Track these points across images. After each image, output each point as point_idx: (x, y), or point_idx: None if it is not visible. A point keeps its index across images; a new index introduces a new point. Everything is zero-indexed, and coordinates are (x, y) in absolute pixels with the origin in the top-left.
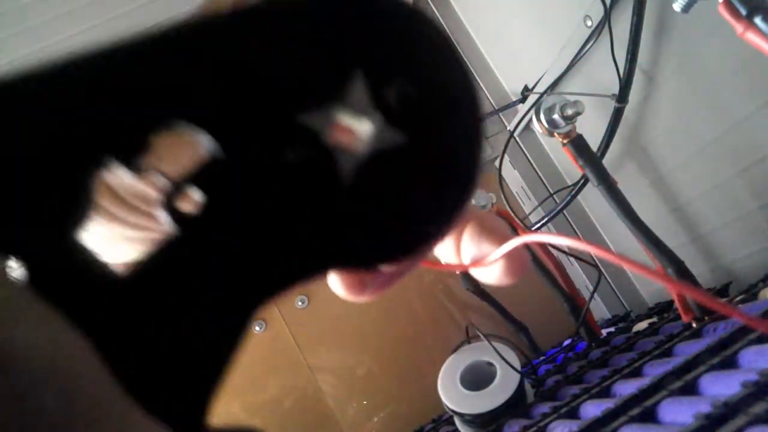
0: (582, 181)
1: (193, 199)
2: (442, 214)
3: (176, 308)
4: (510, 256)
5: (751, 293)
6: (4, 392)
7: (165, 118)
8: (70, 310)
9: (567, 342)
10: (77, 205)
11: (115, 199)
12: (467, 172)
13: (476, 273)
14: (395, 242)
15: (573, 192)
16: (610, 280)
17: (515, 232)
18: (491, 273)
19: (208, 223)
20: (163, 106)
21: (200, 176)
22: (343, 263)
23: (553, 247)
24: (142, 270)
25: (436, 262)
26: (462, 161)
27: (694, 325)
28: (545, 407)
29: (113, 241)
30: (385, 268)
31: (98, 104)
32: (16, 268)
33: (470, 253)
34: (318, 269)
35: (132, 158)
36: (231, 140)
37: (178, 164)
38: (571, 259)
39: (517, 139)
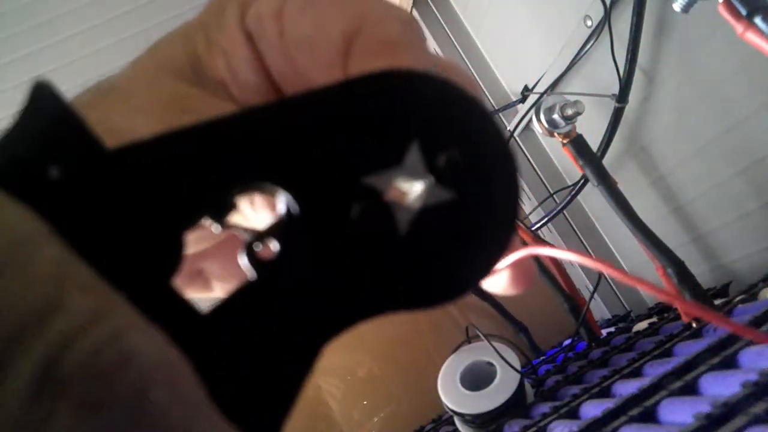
0: (582, 181)
1: (270, 248)
2: (485, 259)
3: (253, 341)
4: (516, 267)
5: (751, 293)
6: (125, 382)
7: (254, 180)
8: (167, 333)
9: (567, 342)
10: (175, 253)
11: (202, 247)
12: (506, 223)
13: (485, 284)
14: (443, 286)
15: (573, 192)
16: (610, 280)
17: (524, 243)
18: (498, 283)
19: (284, 269)
20: (254, 170)
21: (278, 229)
22: (398, 305)
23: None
24: (225, 307)
25: None
26: (502, 214)
27: (694, 325)
28: (545, 407)
29: (197, 283)
30: None
31: (200, 169)
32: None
33: None
34: (377, 311)
35: (221, 215)
36: (306, 197)
37: (259, 219)
38: None
39: (517, 139)
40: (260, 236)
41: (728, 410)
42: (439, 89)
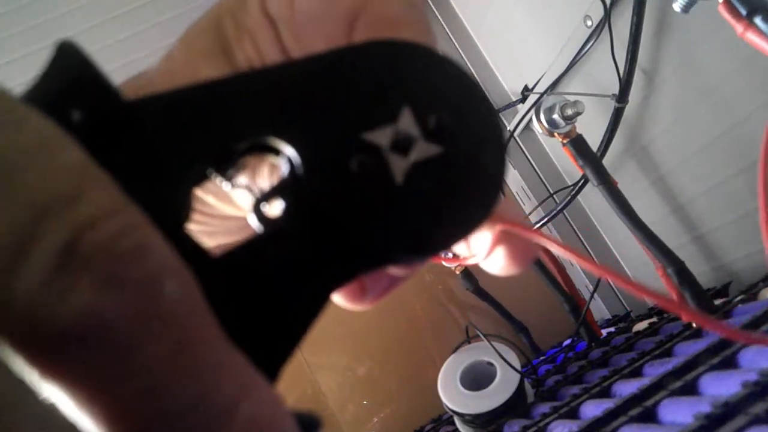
0: (582, 181)
1: (276, 206)
2: (474, 207)
3: (261, 285)
4: (513, 243)
5: (751, 293)
6: (142, 268)
7: (258, 133)
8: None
9: (567, 342)
10: (183, 199)
11: (211, 202)
12: (492, 176)
13: (485, 265)
14: (435, 233)
15: (573, 192)
16: (610, 280)
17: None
18: (495, 262)
19: (289, 224)
20: (257, 124)
21: (282, 188)
22: (396, 254)
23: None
24: (235, 254)
25: (445, 256)
26: (487, 167)
27: (694, 325)
28: (545, 407)
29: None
30: (392, 270)
31: (207, 121)
32: None
33: (476, 243)
34: (377, 260)
35: (228, 169)
36: (309, 154)
37: (264, 178)
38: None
39: (517, 139)
40: (266, 196)
41: (728, 410)
42: (431, 59)
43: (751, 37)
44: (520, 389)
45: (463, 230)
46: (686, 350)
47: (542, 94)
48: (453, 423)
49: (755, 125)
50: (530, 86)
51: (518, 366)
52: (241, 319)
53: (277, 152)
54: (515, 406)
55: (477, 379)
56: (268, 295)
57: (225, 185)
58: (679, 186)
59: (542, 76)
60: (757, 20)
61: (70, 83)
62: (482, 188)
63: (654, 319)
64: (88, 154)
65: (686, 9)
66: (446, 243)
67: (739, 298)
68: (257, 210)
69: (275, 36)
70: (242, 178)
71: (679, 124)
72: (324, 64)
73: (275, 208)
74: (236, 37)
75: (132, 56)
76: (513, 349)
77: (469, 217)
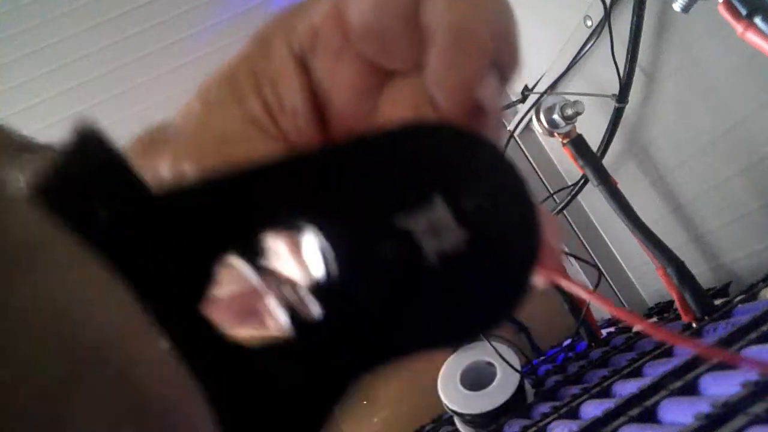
0: (582, 181)
1: (311, 309)
2: (510, 288)
3: (296, 374)
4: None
5: (751, 293)
6: (196, 419)
7: (293, 223)
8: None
9: (567, 342)
10: (201, 285)
11: (234, 292)
12: (524, 258)
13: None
14: (473, 316)
15: (573, 192)
16: (610, 280)
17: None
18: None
19: (323, 323)
20: (289, 216)
21: (316, 288)
22: (435, 341)
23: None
24: (267, 349)
25: None
26: (521, 251)
27: (694, 325)
28: (545, 407)
29: (252, 321)
30: None
31: (229, 212)
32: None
33: None
34: (417, 347)
35: (254, 258)
36: (340, 242)
37: (292, 267)
38: (571, 259)
39: (517, 139)
40: (302, 299)
41: (728, 410)
42: (466, 141)
43: (751, 37)
44: (520, 389)
45: (500, 312)
46: (686, 350)
47: (542, 94)
48: (453, 423)
49: (755, 125)
50: (530, 86)
51: (518, 366)
52: (252, 408)
53: (302, 232)
54: (515, 406)
55: (477, 379)
56: (302, 385)
57: (250, 273)
58: (679, 186)
59: (542, 76)
60: (757, 20)
61: (96, 177)
62: (516, 272)
63: (654, 319)
64: (131, 294)
65: (686, 9)
66: (485, 326)
67: (739, 298)
68: (291, 310)
69: (303, 83)
70: (270, 267)
71: (679, 124)
72: (354, 149)
73: (310, 311)
74: (253, 85)
75: (132, 56)
76: (513, 349)
77: (506, 300)
